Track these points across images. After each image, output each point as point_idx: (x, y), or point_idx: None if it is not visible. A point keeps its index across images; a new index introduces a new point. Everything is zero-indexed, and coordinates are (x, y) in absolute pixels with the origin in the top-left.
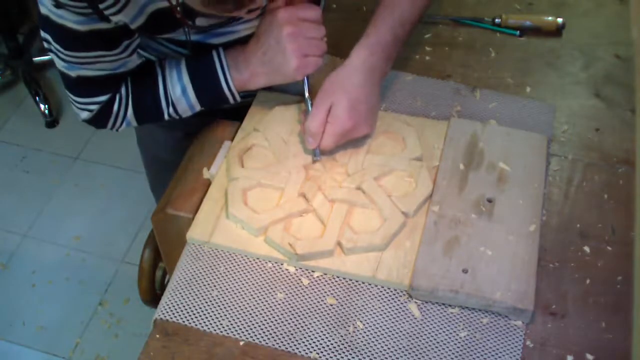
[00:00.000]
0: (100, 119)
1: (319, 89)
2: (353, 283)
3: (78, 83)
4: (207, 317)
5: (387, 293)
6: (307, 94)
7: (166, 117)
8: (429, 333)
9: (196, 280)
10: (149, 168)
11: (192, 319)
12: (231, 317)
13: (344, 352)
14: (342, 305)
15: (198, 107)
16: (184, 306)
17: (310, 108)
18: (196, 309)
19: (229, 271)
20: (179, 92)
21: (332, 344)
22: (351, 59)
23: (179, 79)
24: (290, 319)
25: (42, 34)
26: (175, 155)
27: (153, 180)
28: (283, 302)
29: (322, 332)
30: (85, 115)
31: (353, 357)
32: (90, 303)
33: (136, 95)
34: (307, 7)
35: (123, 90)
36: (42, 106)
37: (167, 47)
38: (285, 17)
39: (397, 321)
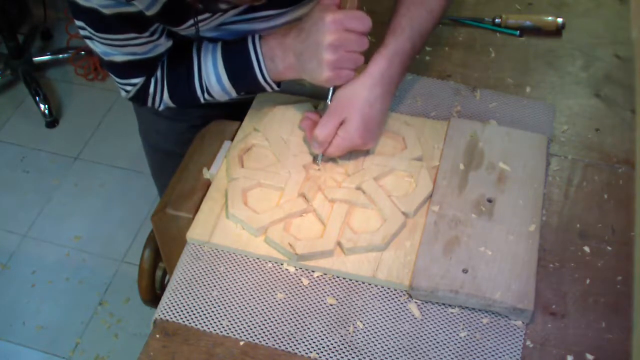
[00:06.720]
0: (138, 99)
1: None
2: (353, 283)
3: (113, 65)
4: (207, 317)
5: (387, 293)
6: (329, 102)
7: (202, 101)
8: (429, 333)
9: (196, 280)
10: (151, 157)
11: (192, 319)
12: (231, 317)
13: (344, 352)
14: (342, 305)
15: (234, 94)
16: (184, 306)
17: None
18: (196, 309)
19: (229, 271)
20: (213, 80)
21: (332, 344)
22: (370, 70)
23: (214, 67)
24: (290, 319)
25: (76, 22)
26: (177, 146)
27: (154, 168)
28: (283, 302)
29: (322, 332)
30: (124, 94)
31: (353, 357)
32: (90, 303)
33: (171, 81)
34: (356, 16)
35: (159, 73)
36: (42, 106)
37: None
38: (332, 24)
39: (397, 321)
